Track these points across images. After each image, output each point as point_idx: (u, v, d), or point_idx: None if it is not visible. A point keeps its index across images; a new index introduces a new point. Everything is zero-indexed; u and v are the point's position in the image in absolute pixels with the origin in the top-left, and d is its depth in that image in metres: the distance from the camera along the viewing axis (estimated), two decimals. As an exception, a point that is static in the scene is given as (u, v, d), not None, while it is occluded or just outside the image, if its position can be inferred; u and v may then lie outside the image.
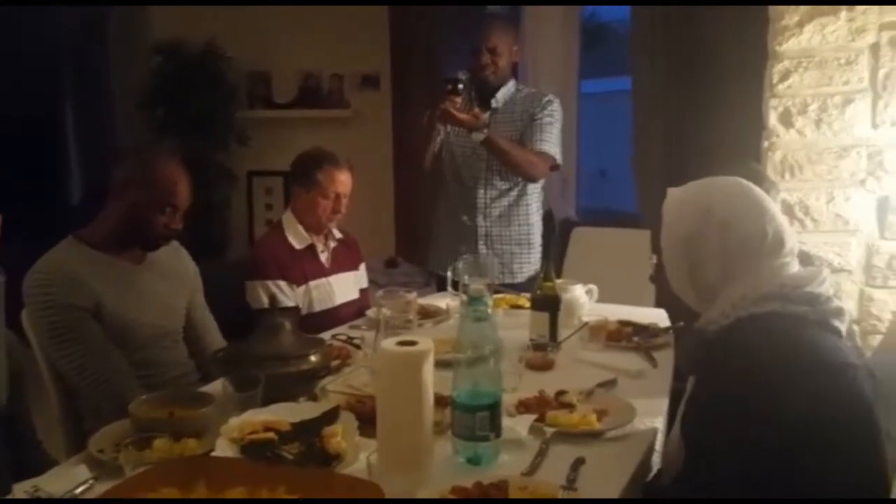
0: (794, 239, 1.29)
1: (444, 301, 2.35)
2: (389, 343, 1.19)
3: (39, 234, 2.01)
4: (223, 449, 1.23)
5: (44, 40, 5.12)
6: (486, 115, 2.56)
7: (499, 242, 2.63)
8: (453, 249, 2.66)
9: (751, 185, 1.31)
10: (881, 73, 2.28)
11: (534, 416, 1.43)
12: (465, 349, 1.26)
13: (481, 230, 2.63)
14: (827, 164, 2.36)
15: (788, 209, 2.41)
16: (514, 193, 2.63)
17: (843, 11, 2.29)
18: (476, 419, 1.25)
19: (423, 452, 1.21)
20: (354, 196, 4.50)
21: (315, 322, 2.22)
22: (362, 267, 2.54)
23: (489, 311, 1.28)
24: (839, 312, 1.25)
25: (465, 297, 2.21)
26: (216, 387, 1.53)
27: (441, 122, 2.44)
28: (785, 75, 2.37)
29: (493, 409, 1.27)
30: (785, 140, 2.40)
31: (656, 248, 1.35)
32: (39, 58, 5.10)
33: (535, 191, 2.66)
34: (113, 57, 4.96)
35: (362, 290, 2.51)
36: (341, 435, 1.27)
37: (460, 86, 2.39)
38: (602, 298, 2.36)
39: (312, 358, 1.50)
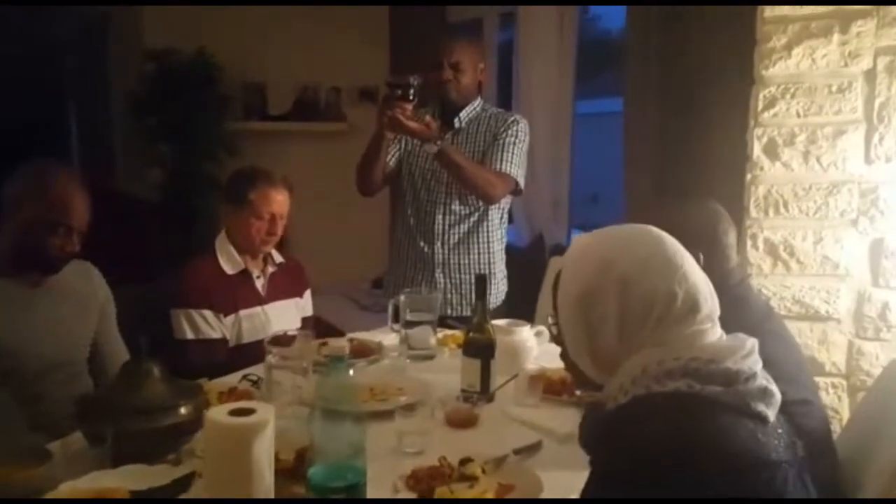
0: (714, 303, 1.09)
1: (388, 337, 2.17)
2: (219, 412, 1.02)
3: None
4: (37, 522, 1.07)
5: (48, 45, 5.12)
6: (446, 129, 2.38)
7: (457, 271, 2.45)
8: (410, 278, 2.49)
9: (665, 236, 1.11)
10: (877, 102, 2.06)
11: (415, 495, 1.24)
12: (322, 419, 1.08)
13: (438, 258, 2.45)
14: (815, 201, 2.14)
15: (772, 249, 2.19)
16: (473, 219, 2.44)
17: (836, 34, 2.07)
18: None
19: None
20: (347, 213, 4.40)
21: (245, 354, 2.06)
22: (307, 294, 2.37)
23: (351, 372, 1.10)
24: (765, 394, 1.04)
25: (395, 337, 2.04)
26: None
27: (389, 130, 2.26)
28: (771, 102, 2.16)
29: (354, 490, 1.09)
30: (770, 173, 2.18)
31: (557, 305, 1.16)
32: (43, 63, 5.11)
33: (496, 216, 2.47)
34: (111, 63, 4.93)
35: (306, 320, 2.34)
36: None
37: (411, 91, 2.20)
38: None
39: (182, 410, 1.33)
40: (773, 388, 1.06)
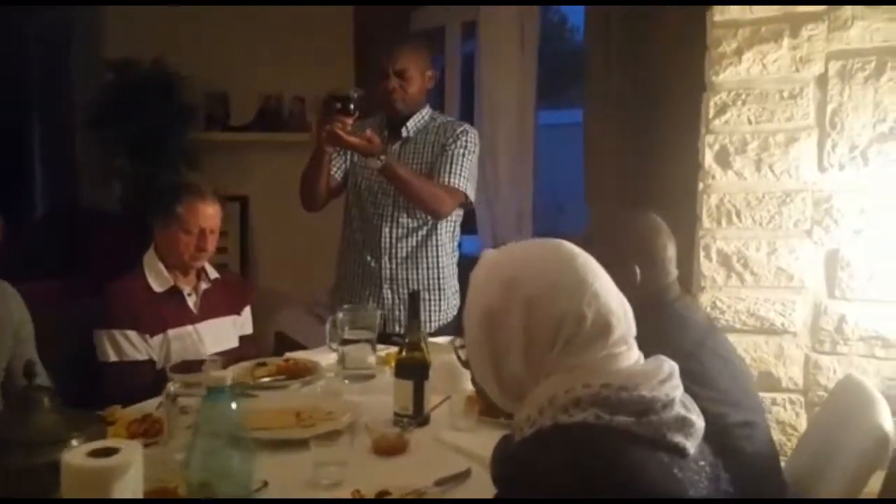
0: (628, 325, 1.00)
1: (328, 356, 2.07)
2: (76, 454, 0.93)
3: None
4: None
5: (12, 52, 5.02)
6: (390, 143, 2.30)
7: (405, 286, 2.36)
8: (357, 293, 2.40)
9: (577, 253, 1.03)
10: (829, 108, 2.00)
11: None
12: (202, 458, 0.98)
13: (386, 272, 2.36)
14: (768, 210, 2.07)
15: (725, 260, 2.12)
16: (422, 232, 2.35)
17: (786, 38, 2.01)
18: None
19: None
20: (310, 224, 4.31)
21: (175, 377, 1.96)
22: (246, 311, 2.27)
23: (235, 405, 1.00)
24: (683, 424, 0.96)
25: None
26: None
27: (328, 145, 2.18)
28: (721, 109, 2.09)
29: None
30: (721, 182, 2.11)
31: (464, 326, 1.07)
32: (8, 70, 5.00)
33: (446, 230, 2.38)
34: (74, 72, 4.84)
35: (244, 338, 2.24)
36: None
37: (351, 104, 2.11)
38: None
39: (74, 443, 1.22)
40: (694, 416, 0.98)
